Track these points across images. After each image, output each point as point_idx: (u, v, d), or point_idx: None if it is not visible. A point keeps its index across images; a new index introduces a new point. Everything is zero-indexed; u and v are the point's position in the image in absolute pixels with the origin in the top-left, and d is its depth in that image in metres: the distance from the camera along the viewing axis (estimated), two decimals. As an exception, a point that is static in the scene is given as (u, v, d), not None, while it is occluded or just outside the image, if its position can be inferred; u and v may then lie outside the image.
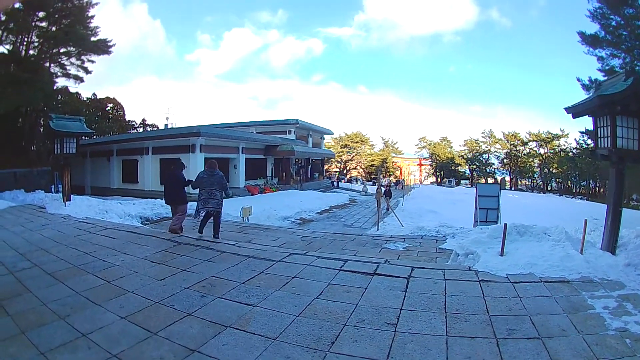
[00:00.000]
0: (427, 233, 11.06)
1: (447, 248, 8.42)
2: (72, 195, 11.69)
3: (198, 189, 7.45)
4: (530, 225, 6.37)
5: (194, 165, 23.67)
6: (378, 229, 13.49)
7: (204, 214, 7.49)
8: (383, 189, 21.04)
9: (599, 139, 5.72)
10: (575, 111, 9.10)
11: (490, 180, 59.76)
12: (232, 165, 28.43)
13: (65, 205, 10.79)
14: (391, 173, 66.15)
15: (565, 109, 9.14)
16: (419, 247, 8.80)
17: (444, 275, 4.77)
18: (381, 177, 56.05)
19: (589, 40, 20.44)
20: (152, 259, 5.70)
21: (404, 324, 3.49)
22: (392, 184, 50.31)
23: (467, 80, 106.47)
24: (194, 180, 7.48)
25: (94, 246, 6.49)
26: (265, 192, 28.61)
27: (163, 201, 14.53)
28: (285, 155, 33.73)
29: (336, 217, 19.96)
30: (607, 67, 20.07)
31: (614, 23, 19.22)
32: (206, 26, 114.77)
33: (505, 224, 5.77)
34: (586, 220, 5.61)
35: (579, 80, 21.38)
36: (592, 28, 20.60)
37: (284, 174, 35.38)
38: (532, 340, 3.16)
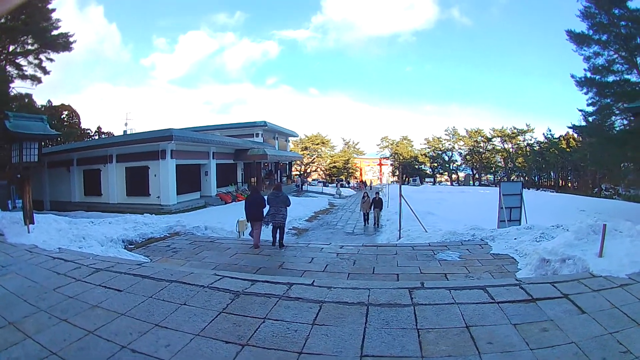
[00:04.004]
0: (463, 238, 9.76)
1: (500, 253, 7.64)
2: (34, 215, 8.57)
3: (268, 206, 9.14)
4: (601, 223, 5.73)
5: (165, 173, 20.68)
6: (400, 237, 11.60)
7: (271, 225, 9.14)
8: (372, 198, 17.57)
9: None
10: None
11: (453, 177, 60.58)
12: (203, 171, 25.43)
13: (28, 231, 7.63)
14: (351, 173, 64.75)
15: (627, 107, 8.52)
16: (472, 255, 7.74)
17: (587, 286, 4.18)
18: (364, 183, 54.24)
19: (577, 39, 20.13)
20: (217, 333, 3.27)
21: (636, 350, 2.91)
22: (362, 187, 48.75)
23: (424, 80, 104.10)
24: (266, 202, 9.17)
25: (95, 312, 3.85)
26: (238, 200, 25.89)
27: (144, 218, 12.14)
28: (256, 159, 30.97)
29: (329, 225, 18.28)
30: (592, 66, 20.01)
31: (599, 21, 19.07)
32: (163, 29, 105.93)
33: (604, 224, 5.18)
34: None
35: (572, 76, 20.90)
36: (575, 26, 20.73)
37: (254, 179, 32.64)
38: None
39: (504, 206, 12.45)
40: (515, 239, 8.52)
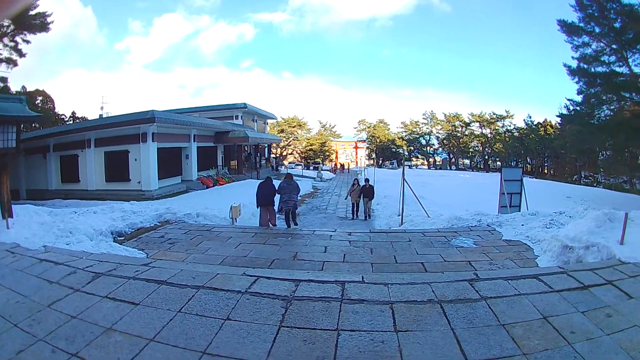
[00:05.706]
0: (469, 223, 9.55)
1: (512, 239, 7.52)
2: (12, 207, 7.40)
3: (280, 194, 9.95)
4: (615, 211, 6.08)
5: (146, 157, 19.39)
6: (402, 222, 11.22)
7: (285, 210, 9.87)
8: (361, 186, 14.82)
9: None
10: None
11: (430, 161, 60.56)
12: (184, 155, 24.08)
13: (7, 226, 6.49)
14: (327, 156, 63.85)
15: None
16: (485, 242, 7.51)
17: (623, 273, 4.23)
18: (342, 166, 53.28)
19: (569, 29, 20.04)
20: (290, 357, 2.62)
21: None
22: (341, 171, 48.17)
23: (401, 64, 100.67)
24: (279, 189, 10.01)
25: (113, 339, 2.94)
26: (219, 184, 24.88)
27: (131, 206, 11.11)
28: (237, 142, 29.72)
29: (319, 209, 17.69)
30: (581, 55, 20.11)
31: (591, 13, 19.12)
32: (138, 11, 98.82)
33: (626, 213, 5.22)
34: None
35: (565, 65, 20.92)
36: (554, 15, 20.89)
37: (234, 162, 31.47)
38: None
39: (505, 192, 12.25)
40: (522, 225, 8.41)
